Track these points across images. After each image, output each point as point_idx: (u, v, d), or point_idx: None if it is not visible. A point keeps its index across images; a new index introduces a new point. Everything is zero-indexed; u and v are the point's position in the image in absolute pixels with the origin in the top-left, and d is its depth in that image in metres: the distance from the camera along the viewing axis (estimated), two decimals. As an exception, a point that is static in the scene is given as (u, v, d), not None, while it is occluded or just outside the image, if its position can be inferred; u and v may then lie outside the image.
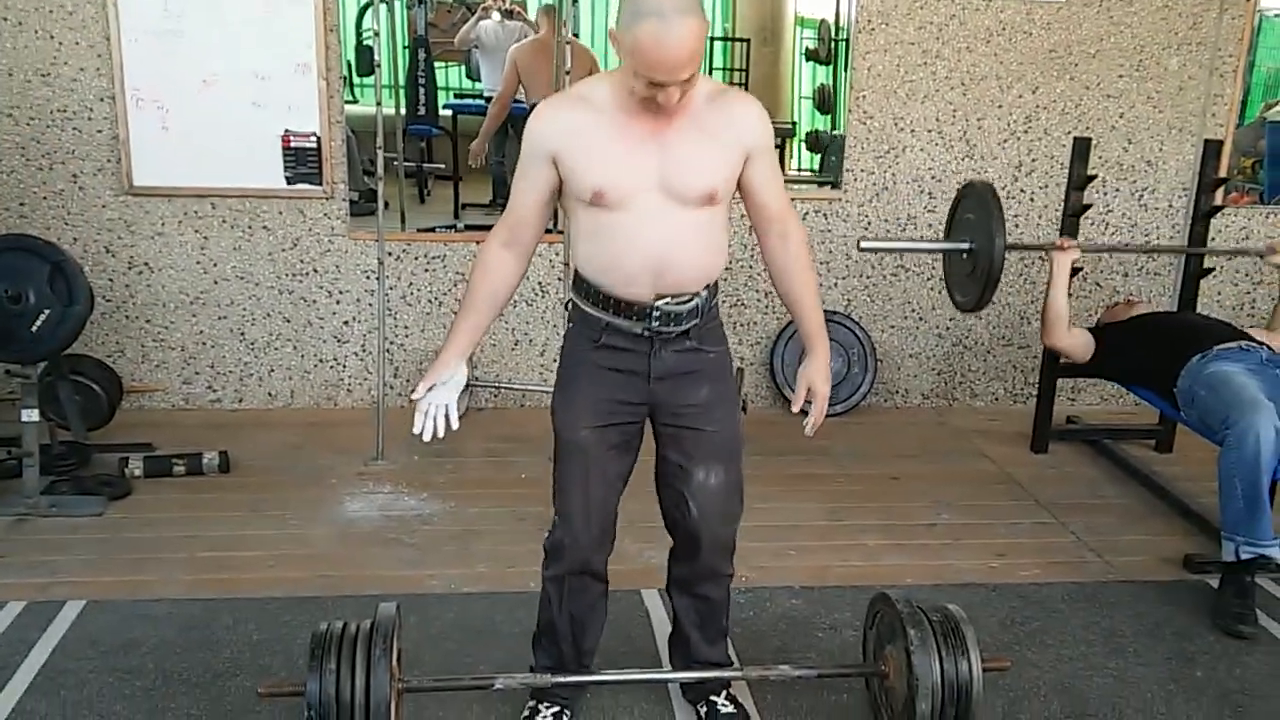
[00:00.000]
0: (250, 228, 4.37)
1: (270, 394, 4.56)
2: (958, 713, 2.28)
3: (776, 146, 2.40)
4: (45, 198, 4.25)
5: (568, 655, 2.45)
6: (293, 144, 4.30)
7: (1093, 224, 4.68)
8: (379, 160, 3.91)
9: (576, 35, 4.82)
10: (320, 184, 4.33)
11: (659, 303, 2.18)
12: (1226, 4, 4.57)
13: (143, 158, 4.23)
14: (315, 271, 4.45)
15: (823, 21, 5.44)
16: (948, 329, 4.82)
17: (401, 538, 3.41)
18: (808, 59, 5.76)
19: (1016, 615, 3.03)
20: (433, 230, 4.73)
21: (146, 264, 4.36)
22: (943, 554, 3.42)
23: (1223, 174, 4.43)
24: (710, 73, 5.27)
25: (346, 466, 3.94)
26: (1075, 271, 3.96)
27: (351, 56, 4.53)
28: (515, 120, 5.50)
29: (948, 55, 4.54)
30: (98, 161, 4.24)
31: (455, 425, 2.25)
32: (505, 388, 4.62)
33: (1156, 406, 3.91)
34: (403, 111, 5.66)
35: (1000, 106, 4.61)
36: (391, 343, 4.53)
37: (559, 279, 4.48)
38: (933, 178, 4.65)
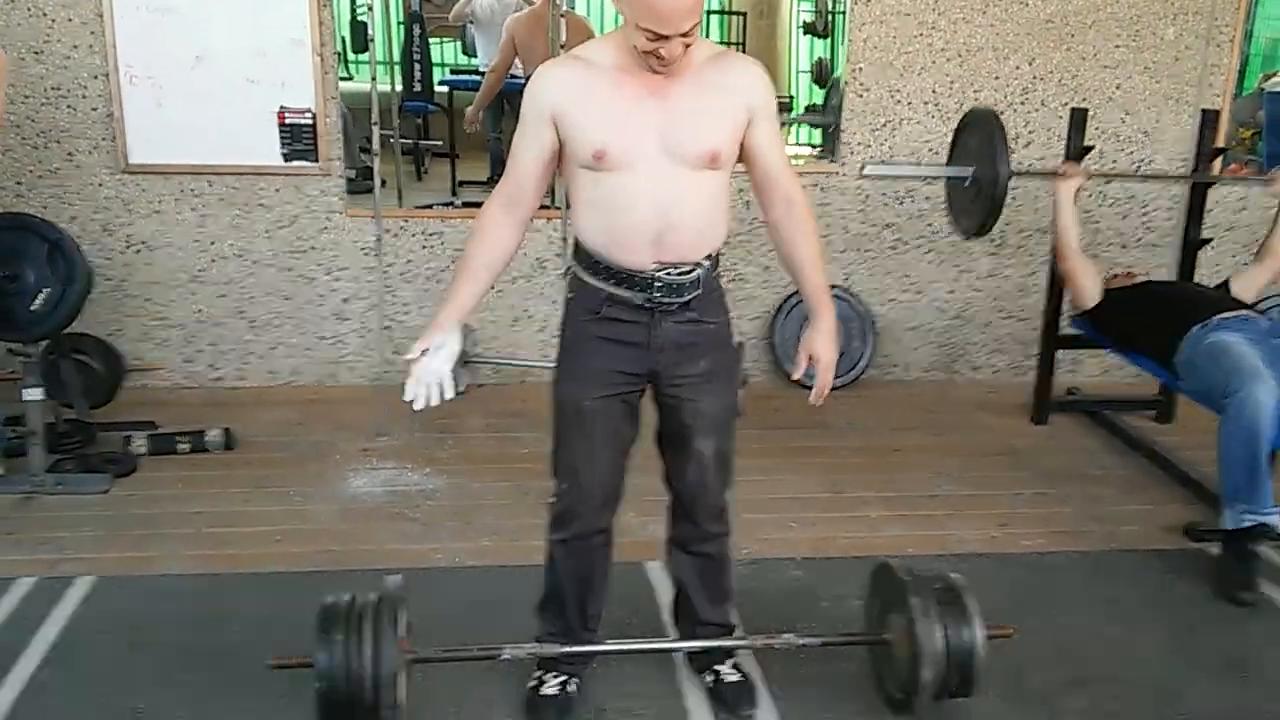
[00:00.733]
0: (248, 205, 4.36)
1: (271, 371, 4.56)
2: (961, 680, 2.30)
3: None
4: (41, 176, 4.24)
5: (573, 620, 2.46)
6: (288, 120, 4.28)
7: (1090, 195, 4.69)
8: (375, 137, 3.90)
9: (572, 7, 4.80)
10: (317, 160, 4.32)
11: (660, 274, 2.17)
12: (1224, -28, 4.57)
13: (138, 135, 4.21)
14: (313, 249, 4.44)
15: (820, -7, 5.43)
16: (947, 302, 4.83)
17: (405, 513, 3.43)
18: (805, 32, 5.74)
19: (1019, 584, 3.06)
20: (430, 207, 4.72)
21: (144, 242, 4.35)
22: (945, 524, 3.45)
23: (1220, 144, 4.43)
24: (707, 46, 5.26)
25: (349, 443, 3.95)
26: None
27: (346, 33, 4.51)
28: (511, 95, 5.47)
29: (944, 27, 4.52)
30: (93, 139, 4.22)
31: (450, 394, 2.22)
32: (506, 364, 4.62)
33: (1156, 376, 3.92)
34: (398, 88, 5.64)
35: (997, 78, 4.60)
36: (391, 320, 4.53)
37: (557, 254, 4.48)
38: (930, 150, 4.64)
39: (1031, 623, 2.83)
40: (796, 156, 5.10)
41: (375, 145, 3.91)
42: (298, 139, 4.31)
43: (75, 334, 3.92)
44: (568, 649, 2.44)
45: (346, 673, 2.13)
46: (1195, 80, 4.68)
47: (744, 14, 5.90)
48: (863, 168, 3.98)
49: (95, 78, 4.16)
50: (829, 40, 5.25)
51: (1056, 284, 4.16)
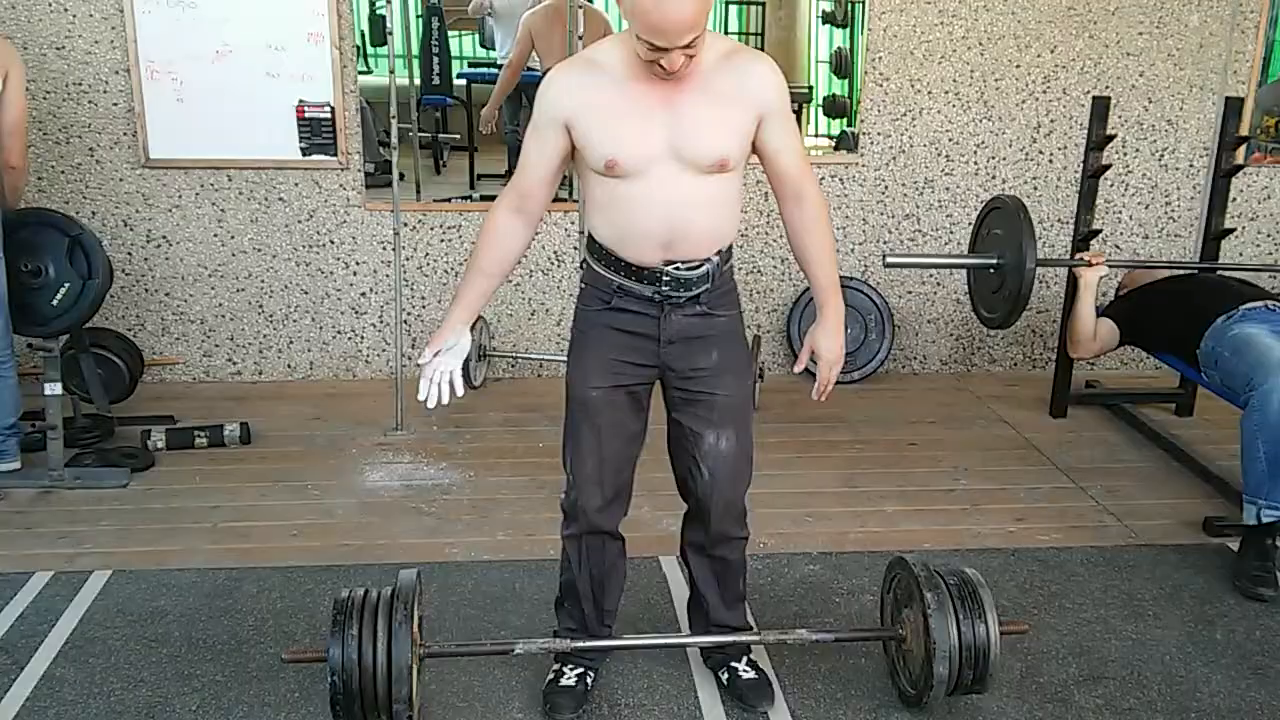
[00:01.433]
0: (267, 199, 4.38)
1: (290, 366, 4.58)
2: (975, 675, 2.29)
3: (794, 111, 2.37)
4: (63, 172, 4.27)
5: (590, 616, 2.47)
6: (307, 114, 4.30)
7: (1112, 185, 4.64)
8: (393, 131, 3.90)
9: (590, 1, 4.78)
10: (335, 154, 4.34)
11: (669, 268, 2.18)
12: (1249, -41, 4.51)
13: (158, 130, 4.24)
14: (332, 243, 4.46)
15: (839, -17, 5.38)
16: (965, 294, 4.79)
17: (421, 507, 3.44)
18: (824, 22, 5.69)
19: (1035, 579, 3.03)
20: (448, 201, 4.73)
21: (164, 237, 4.38)
22: (961, 519, 3.43)
23: (1244, 132, 4.37)
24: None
25: (366, 437, 3.97)
26: (1095, 234, 3.92)
27: (365, 26, 4.51)
28: (528, 88, 5.46)
29: (964, 15, 4.49)
30: (114, 135, 4.25)
31: (460, 392, 2.25)
32: (522, 357, 4.63)
33: (1177, 369, 3.88)
34: (417, 82, 5.64)
35: (1018, 66, 4.56)
36: (409, 313, 4.55)
37: (574, 248, 4.47)
38: (950, 140, 4.61)
39: (1047, 618, 2.82)
40: (815, 147, 5.06)
41: (394, 139, 3.92)
42: (317, 133, 4.33)
43: (95, 328, 3.95)
44: (580, 644, 2.44)
45: (359, 667, 2.15)
46: (1219, 68, 4.62)
47: (763, 3, 5.86)
48: (884, 258, 3.96)
49: (116, 73, 4.19)
50: (848, 29, 5.21)
51: (1074, 276, 4.12)
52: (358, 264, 4.49)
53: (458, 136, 5.93)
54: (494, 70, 5.94)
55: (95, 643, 2.64)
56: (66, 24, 4.12)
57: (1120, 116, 4.54)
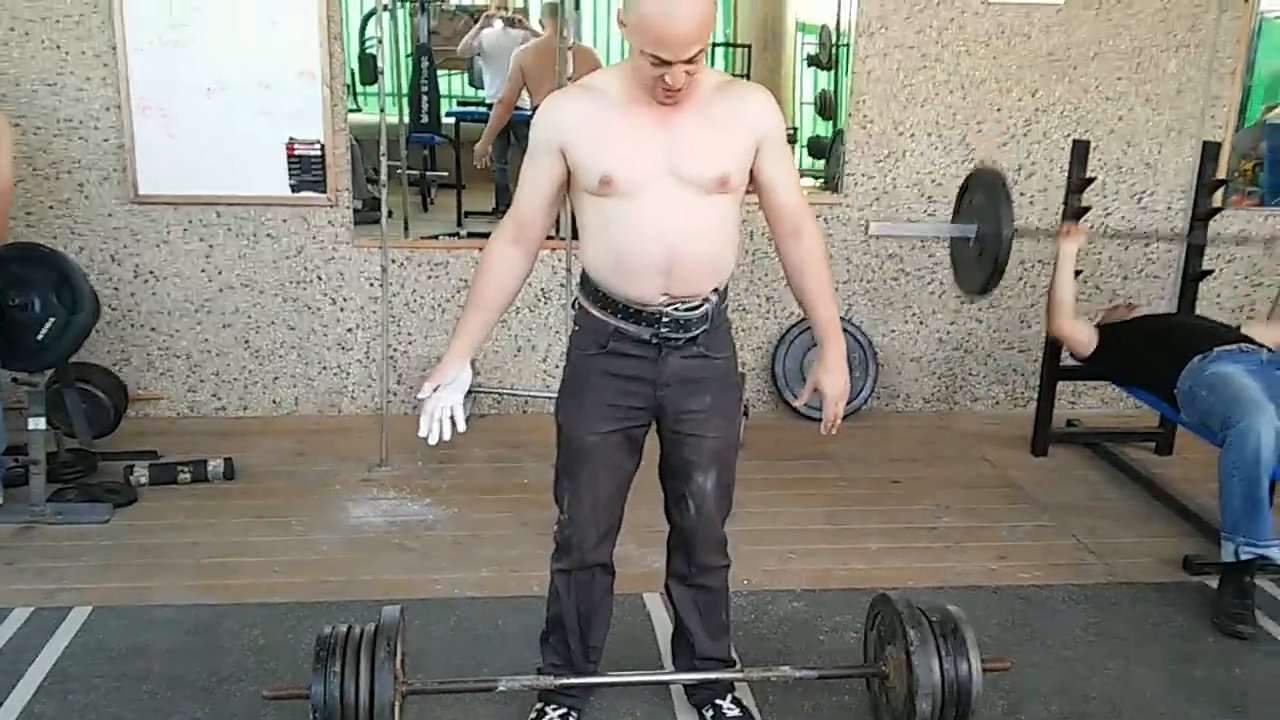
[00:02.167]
0: (255, 235, 4.40)
1: (275, 401, 4.58)
2: (958, 713, 2.30)
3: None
4: (52, 207, 4.28)
5: (575, 651, 2.47)
6: (297, 151, 4.33)
7: (1091, 227, 4.69)
8: (382, 168, 3.94)
9: (578, 39, 4.84)
10: (324, 191, 4.36)
11: (668, 309, 2.17)
12: (1225, 5, 4.59)
13: (148, 166, 4.26)
14: (319, 279, 4.47)
15: (824, 27, 5.47)
16: (948, 333, 4.84)
17: (405, 543, 3.44)
18: (809, 64, 5.79)
19: (1017, 617, 3.05)
20: (436, 238, 4.76)
21: (152, 272, 4.39)
22: (944, 556, 3.44)
23: (1221, 175, 4.44)
24: (711, 79, 5.30)
25: (350, 473, 3.97)
26: (1076, 273, 3.98)
27: (355, 65, 4.56)
28: (517, 126, 5.53)
29: (947, 59, 4.56)
30: (104, 170, 4.27)
31: (461, 427, 2.24)
32: (508, 394, 4.64)
33: (1156, 408, 3.92)
34: (406, 120, 5.70)
35: (999, 110, 4.63)
36: (395, 350, 4.56)
37: (561, 285, 4.50)
38: (933, 181, 4.66)
39: (1029, 655, 2.83)
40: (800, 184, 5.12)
41: (383, 176, 3.96)
42: (306, 170, 4.35)
43: (80, 363, 3.95)
44: (563, 680, 2.44)
45: (341, 704, 2.14)
46: (1197, 112, 4.70)
47: (749, 46, 5.95)
48: (868, 225, 4.02)
49: (107, 109, 4.21)
50: (833, 72, 5.29)
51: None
52: (345, 300, 4.51)
53: (446, 174, 5.98)
54: (482, 109, 6.00)
55: (75, 679, 2.63)
56: (59, 60, 4.16)
57: (1100, 160, 4.61)
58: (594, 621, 2.47)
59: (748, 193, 2.22)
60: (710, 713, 2.53)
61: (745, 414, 4.34)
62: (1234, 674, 2.79)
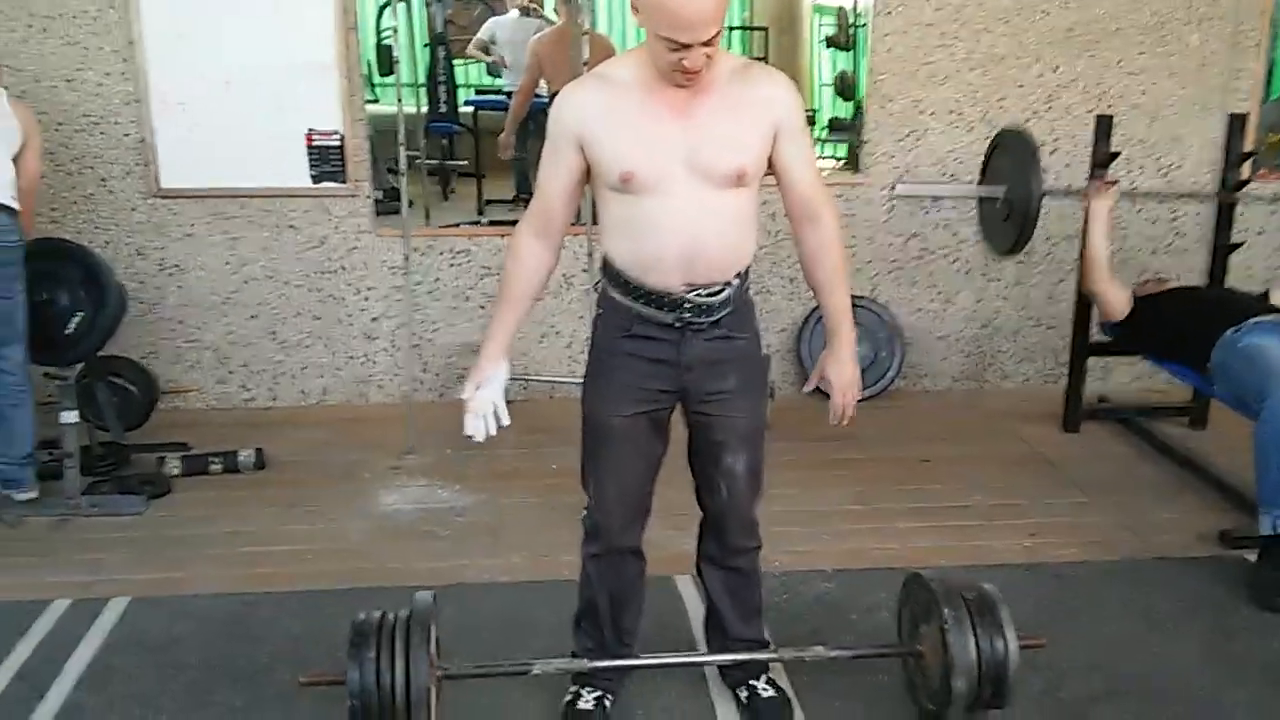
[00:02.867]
0: (278, 227, 4.41)
1: (303, 391, 4.60)
2: (994, 691, 2.28)
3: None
4: (75, 202, 4.31)
5: (608, 636, 2.47)
6: (316, 142, 4.34)
7: (1118, 202, 4.65)
8: (402, 158, 3.94)
9: (594, 26, 4.82)
10: (345, 181, 4.37)
11: (690, 294, 2.16)
12: (1246, -23, 4.54)
13: (169, 160, 4.28)
14: (343, 269, 4.48)
15: (840, 8, 5.43)
16: (975, 311, 4.81)
17: (435, 530, 3.45)
18: (827, 46, 5.75)
19: (1051, 594, 3.03)
20: (457, 226, 4.76)
21: (177, 265, 4.41)
22: (976, 535, 3.42)
23: (1248, 148, 4.39)
24: (730, 61, 5.28)
25: (379, 461, 3.98)
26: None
27: (372, 57, 4.56)
28: (535, 114, 5.51)
29: (966, 36, 4.52)
30: (126, 165, 4.29)
31: (506, 421, 2.25)
32: (534, 380, 4.64)
33: (1189, 382, 3.89)
34: (424, 110, 5.69)
35: (1021, 86, 4.58)
36: (420, 338, 4.57)
37: (583, 270, 4.49)
38: (955, 160, 4.63)
39: (1064, 633, 2.81)
40: (820, 169, 5.09)
41: (402, 166, 3.95)
42: (326, 161, 4.36)
43: (110, 357, 3.97)
44: (596, 664, 2.44)
45: (377, 689, 2.14)
46: (1221, 85, 4.64)
47: (766, 29, 5.91)
48: (893, 186, 3.98)
49: (127, 104, 4.23)
50: (851, 53, 5.25)
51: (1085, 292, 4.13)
52: (368, 289, 4.52)
53: (465, 163, 5.97)
54: (500, 98, 5.99)
55: (114, 670, 2.65)
56: (78, 56, 4.17)
57: (1123, 135, 4.55)
58: (626, 606, 2.47)
59: (767, 174, 2.21)
60: (745, 694, 2.52)
61: (771, 396, 4.33)
62: (1273, 648, 2.76)
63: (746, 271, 2.26)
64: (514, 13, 6.09)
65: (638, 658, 2.54)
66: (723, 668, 2.60)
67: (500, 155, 5.57)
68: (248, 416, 4.47)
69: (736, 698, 2.54)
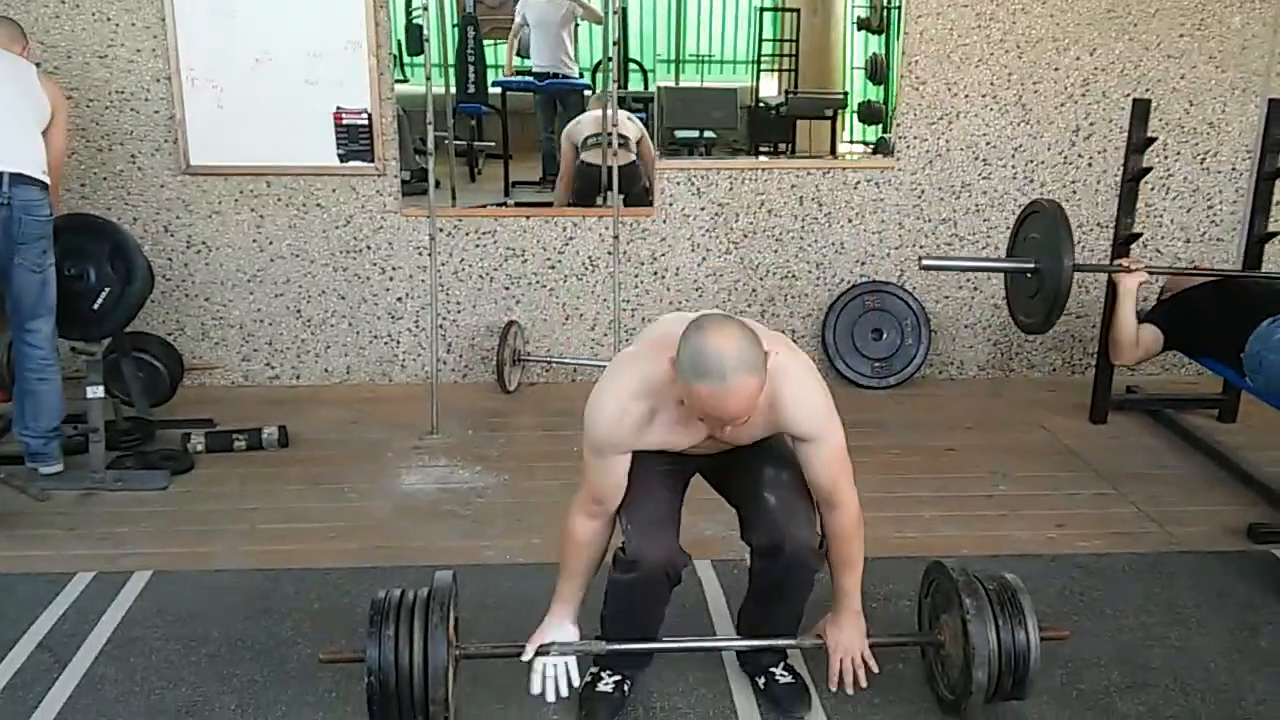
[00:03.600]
0: (304, 205, 4.42)
1: (327, 370, 4.62)
2: (1015, 681, 2.27)
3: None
4: (105, 178, 4.33)
5: (635, 636, 2.44)
6: (345, 121, 4.34)
7: (1153, 188, 4.59)
8: (429, 138, 3.93)
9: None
10: (372, 160, 4.37)
11: None
12: (1292, -41, 4.45)
13: (198, 137, 4.30)
14: (368, 248, 4.49)
15: (874, -11, 5.35)
16: (1003, 299, 4.74)
17: (457, 510, 3.45)
18: (859, 28, 5.67)
19: (1075, 586, 3.00)
20: (484, 207, 4.74)
21: (204, 243, 4.43)
22: (1000, 525, 3.39)
23: (1288, 135, 4.31)
24: (760, 44, 5.22)
25: (402, 440, 3.99)
26: (1136, 237, 3.88)
27: (401, 35, 4.55)
28: (564, 95, 5.48)
29: (1002, 18, 4.45)
30: (155, 142, 4.31)
31: (576, 682, 2.33)
32: (557, 362, 4.64)
33: (1221, 374, 3.83)
34: (453, 90, 5.67)
35: (1057, 69, 4.52)
36: (444, 318, 4.57)
37: (608, 253, 4.48)
38: (987, 144, 4.57)
39: (1088, 625, 2.78)
40: (851, 153, 5.03)
41: (430, 146, 3.95)
42: (354, 140, 4.36)
43: (136, 333, 4.00)
44: (615, 647, 2.42)
45: (396, 667, 2.15)
46: (1263, 69, 4.56)
47: (797, 10, 5.84)
48: (920, 260, 3.97)
49: (158, 81, 4.25)
50: (884, 36, 5.19)
51: (1114, 281, 4.06)
52: (394, 269, 4.52)
53: (493, 144, 5.95)
54: (528, 79, 5.96)
55: (136, 642, 2.67)
56: (109, 33, 4.19)
57: (1161, 119, 4.49)
58: (651, 616, 2.43)
59: None
60: (762, 680, 2.51)
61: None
62: (1300, 644, 2.73)
63: None
64: (544, -8, 6.04)
65: (652, 642, 2.51)
66: (741, 654, 2.59)
67: (556, 203, 5.48)
68: (272, 394, 4.49)
69: (754, 683, 2.53)
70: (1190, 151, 4.64)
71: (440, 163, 4.35)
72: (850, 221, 4.63)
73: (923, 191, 4.61)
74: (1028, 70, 4.51)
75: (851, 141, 5.43)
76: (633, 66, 4.94)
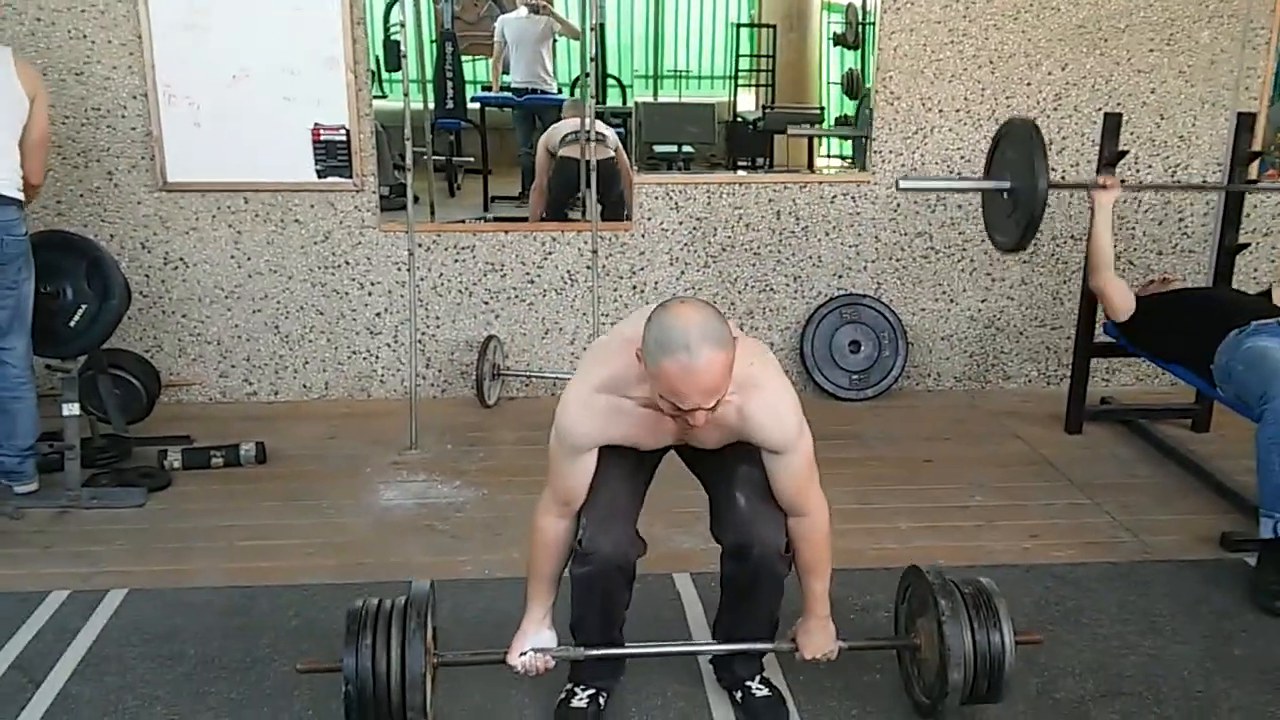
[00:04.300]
0: (282, 221, 4.42)
1: (305, 386, 4.61)
2: (990, 684, 2.27)
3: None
4: (82, 195, 4.32)
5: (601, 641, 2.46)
6: (323, 137, 4.35)
7: (1125, 201, 4.64)
8: (408, 153, 3.94)
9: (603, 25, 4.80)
10: (350, 176, 4.37)
11: None
12: (1258, -25, 4.51)
13: (176, 154, 4.29)
14: (347, 264, 4.49)
15: (849, 5, 5.40)
16: (979, 311, 4.79)
17: (435, 525, 3.45)
18: (835, 44, 5.72)
19: (1051, 595, 3.02)
20: (462, 222, 4.76)
21: (182, 259, 4.42)
22: (976, 535, 3.41)
23: (1257, 148, 4.37)
24: (737, 60, 5.26)
25: (380, 456, 3.98)
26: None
27: (380, 52, 4.56)
28: (543, 110, 5.50)
29: (975, 34, 4.50)
30: (132, 158, 4.30)
31: (552, 664, 2.36)
32: (536, 376, 4.64)
33: (1192, 384, 3.87)
34: (431, 106, 5.69)
35: (1029, 84, 4.57)
36: (423, 333, 4.57)
37: (587, 267, 4.49)
38: (962, 158, 4.62)
39: (1064, 634, 2.81)
40: (828, 166, 5.07)
41: (409, 161, 3.96)
42: (332, 155, 4.37)
43: (113, 350, 3.99)
44: (594, 652, 2.42)
45: (373, 675, 2.15)
46: (1231, 84, 4.62)
47: (774, 26, 5.89)
48: (898, 182, 3.97)
49: (134, 98, 4.24)
50: (859, 51, 5.23)
51: (1090, 292, 4.11)
52: (373, 285, 4.52)
53: (472, 159, 5.97)
54: (507, 95, 5.98)
55: (111, 661, 2.65)
56: (85, 50, 4.18)
57: (1132, 133, 4.54)
58: (612, 613, 2.44)
59: None
60: (740, 694, 2.52)
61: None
62: (1273, 652, 2.75)
63: None
64: (522, 10, 6.08)
65: (630, 646, 2.49)
66: (717, 669, 2.60)
67: (530, 215, 5.50)
68: (250, 410, 4.48)
69: (731, 697, 2.54)
70: (1161, 165, 4.69)
71: (419, 178, 4.36)
72: (827, 235, 4.66)
73: (899, 205, 4.65)
74: (1000, 85, 4.56)
75: (829, 155, 5.48)
76: (611, 82, 4.98)
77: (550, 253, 4.58)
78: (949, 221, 4.68)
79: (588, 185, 4.27)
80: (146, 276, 4.40)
